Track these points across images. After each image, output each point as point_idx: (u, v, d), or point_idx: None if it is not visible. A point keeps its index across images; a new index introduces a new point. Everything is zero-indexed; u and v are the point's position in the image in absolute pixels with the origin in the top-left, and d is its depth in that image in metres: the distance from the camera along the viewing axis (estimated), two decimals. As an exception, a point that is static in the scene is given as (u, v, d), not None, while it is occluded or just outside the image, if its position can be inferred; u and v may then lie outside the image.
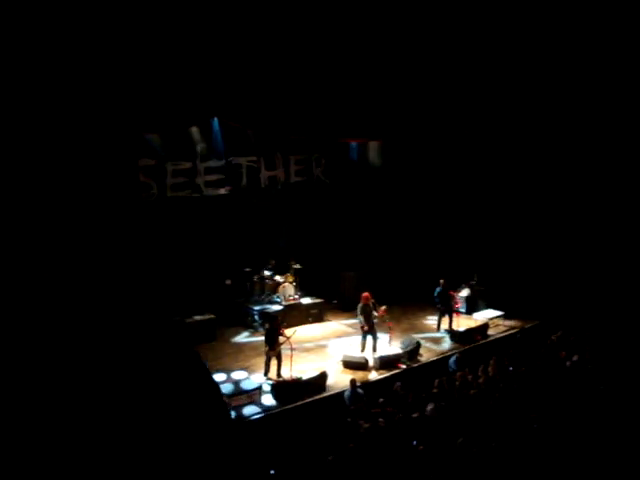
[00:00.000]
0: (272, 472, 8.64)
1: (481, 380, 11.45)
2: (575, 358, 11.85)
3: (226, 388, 12.29)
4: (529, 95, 18.04)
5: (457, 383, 11.40)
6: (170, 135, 16.82)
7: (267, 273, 17.63)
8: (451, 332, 15.85)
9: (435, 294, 16.28)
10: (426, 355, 14.53)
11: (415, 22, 17.00)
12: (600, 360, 11.90)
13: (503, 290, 17.59)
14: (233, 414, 11.36)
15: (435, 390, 11.01)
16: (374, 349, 14.32)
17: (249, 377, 13.06)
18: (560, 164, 18.15)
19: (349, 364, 13.74)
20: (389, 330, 14.71)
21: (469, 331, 15.66)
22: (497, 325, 16.64)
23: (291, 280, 17.54)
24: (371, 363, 13.80)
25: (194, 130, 17.38)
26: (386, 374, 13.39)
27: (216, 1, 14.66)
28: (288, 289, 17.32)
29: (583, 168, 17.81)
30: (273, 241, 18.54)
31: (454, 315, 16.22)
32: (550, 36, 16.94)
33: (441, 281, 16.27)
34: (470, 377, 11.73)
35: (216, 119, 17.27)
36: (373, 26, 16.59)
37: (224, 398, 11.46)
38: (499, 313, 17.01)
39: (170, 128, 16.48)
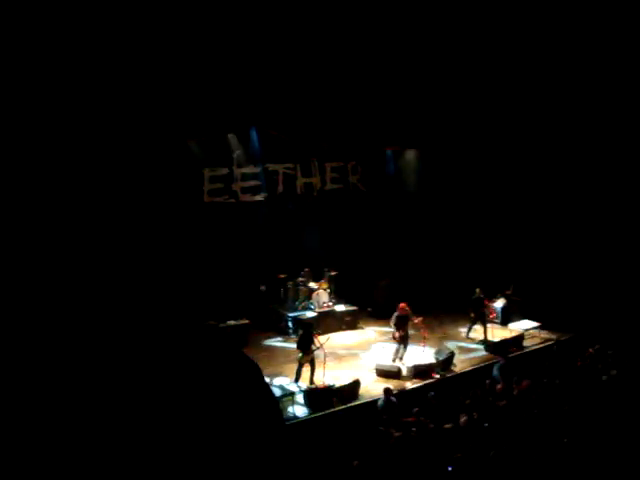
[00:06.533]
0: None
1: (515, 392, 11.28)
2: (613, 372, 11.60)
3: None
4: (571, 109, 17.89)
5: (490, 395, 11.25)
6: (208, 142, 17.04)
7: (301, 279, 17.70)
8: (485, 342, 15.68)
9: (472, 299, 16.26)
10: (460, 365, 14.40)
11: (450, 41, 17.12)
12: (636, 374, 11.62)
13: (540, 301, 17.29)
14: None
15: (468, 401, 10.89)
16: (401, 358, 14.26)
17: (281, 383, 13.13)
18: (602, 173, 17.86)
19: (382, 372, 13.70)
20: (423, 339, 14.64)
21: (504, 342, 15.44)
22: (533, 336, 16.39)
23: (325, 287, 17.57)
24: (404, 372, 13.75)
25: (231, 137, 17.60)
26: (420, 383, 13.28)
27: (253, 15, 14.90)
28: (322, 296, 17.34)
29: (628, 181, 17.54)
30: (308, 248, 18.60)
31: (488, 325, 16.10)
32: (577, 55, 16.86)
33: (477, 290, 16.18)
34: (501, 388, 11.57)
35: (253, 126, 17.48)
36: (407, 39, 16.77)
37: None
38: (535, 324, 16.72)
39: (208, 135, 16.75)
